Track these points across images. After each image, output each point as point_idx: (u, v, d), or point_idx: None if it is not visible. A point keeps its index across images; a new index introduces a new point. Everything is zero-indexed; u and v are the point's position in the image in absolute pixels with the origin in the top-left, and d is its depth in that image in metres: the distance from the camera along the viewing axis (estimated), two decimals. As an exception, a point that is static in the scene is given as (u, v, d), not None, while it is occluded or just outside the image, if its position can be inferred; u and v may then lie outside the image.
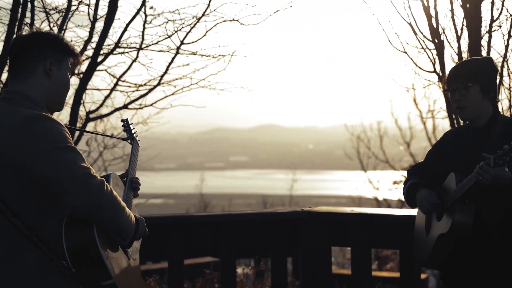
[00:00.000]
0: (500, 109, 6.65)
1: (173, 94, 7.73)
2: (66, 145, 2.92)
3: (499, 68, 3.92)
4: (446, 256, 3.87)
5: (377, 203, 19.88)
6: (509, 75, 6.69)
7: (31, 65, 3.13)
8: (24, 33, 3.24)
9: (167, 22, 7.45)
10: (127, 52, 7.45)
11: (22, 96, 3.07)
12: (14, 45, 3.20)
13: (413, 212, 5.01)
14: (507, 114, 6.68)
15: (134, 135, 4.03)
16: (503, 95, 6.77)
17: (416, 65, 7.04)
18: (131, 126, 4.07)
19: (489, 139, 3.76)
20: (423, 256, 4.04)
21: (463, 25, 6.63)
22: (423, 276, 10.03)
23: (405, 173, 18.31)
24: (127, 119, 4.08)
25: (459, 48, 6.73)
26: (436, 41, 6.76)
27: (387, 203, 19.40)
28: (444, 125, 6.56)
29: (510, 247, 3.67)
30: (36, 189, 2.94)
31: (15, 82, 3.13)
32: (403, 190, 4.28)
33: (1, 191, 2.92)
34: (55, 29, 6.93)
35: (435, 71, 6.90)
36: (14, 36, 6.45)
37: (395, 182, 19.24)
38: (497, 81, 3.95)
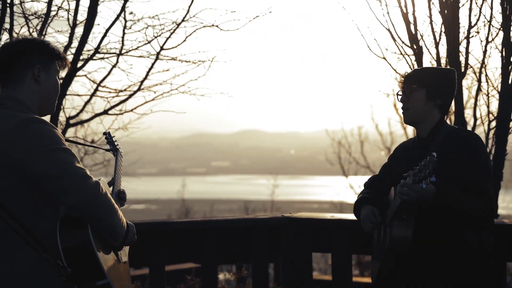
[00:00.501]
0: (478, 115, 6.74)
1: (153, 99, 7.73)
2: (62, 146, 3.01)
3: (457, 83, 3.88)
4: (389, 272, 3.88)
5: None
6: (487, 81, 6.74)
7: (20, 73, 3.18)
8: (9, 41, 3.30)
9: (146, 28, 7.46)
10: (107, 58, 7.45)
11: (16, 101, 3.14)
12: (1, 55, 3.23)
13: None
14: (485, 120, 6.73)
15: (117, 146, 4.10)
16: (481, 101, 6.84)
17: (395, 71, 7.08)
18: (114, 138, 4.13)
19: (429, 151, 3.68)
20: (374, 271, 4.04)
21: (441, 31, 6.68)
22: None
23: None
24: (109, 132, 4.15)
25: (437, 54, 6.78)
26: (415, 47, 6.80)
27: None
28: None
29: (452, 257, 3.65)
30: (32, 189, 3.00)
31: (7, 90, 3.19)
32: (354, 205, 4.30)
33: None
34: (35, 34, 6.91)
35: (414, 77, 6.94)
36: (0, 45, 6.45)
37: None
38: (451, 92, 3.88)
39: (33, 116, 3.06)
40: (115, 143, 4.12)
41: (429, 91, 3.79)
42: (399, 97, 3.91)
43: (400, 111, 4.36)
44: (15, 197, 3.01)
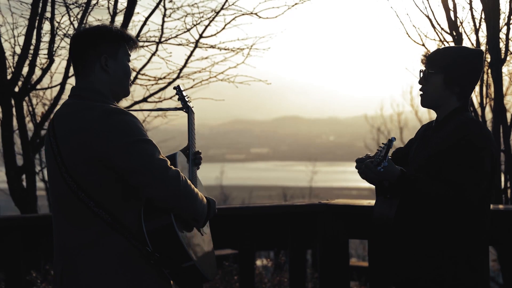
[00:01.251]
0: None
1: (192, 87, 7.79)
2: (143, 138, 3.05)
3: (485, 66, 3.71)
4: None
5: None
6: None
7: (89, 64, 3.23)
8: (76, 31, 3.39)
9: (186, 16, 7.51)
10: (147, 46, 7.52)
11: (91, 91, 3.20)
12: (70, 45, 3.34)
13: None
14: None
15: (189, 103, 3.92)
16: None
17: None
18: (184, 93, 3.94)
19: (436, 137, 3.64)
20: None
21: (481, 17, 6.64)
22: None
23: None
24: (178, 86, 3.97)
25: (477, 40, 6.74)
26: (454, 33, 6.76)
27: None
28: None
29: (428, 241, 3.59)
30: (117, 179, 3.07)
31: (80, 79, 3.27)
32: None
33: (85, 181, 3.07)
34: (75, 23, 7.01)
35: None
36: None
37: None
38: (471, 79, 3.65)
39: (114, 107, 3.11)
40: (186, 99, 3.92)
41: (446, 77, 3.60)
42: (419, 78, 3.74)
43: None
44: (102, 186, 3.08)
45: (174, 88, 3.97)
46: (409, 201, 3.56)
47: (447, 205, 3.46)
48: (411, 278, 3.67)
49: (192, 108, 3.90)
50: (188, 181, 3.12)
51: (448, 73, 3.60)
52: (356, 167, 3.64)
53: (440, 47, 3.85)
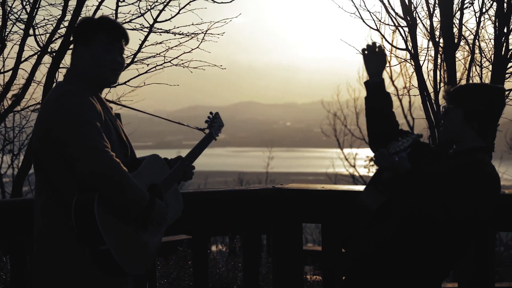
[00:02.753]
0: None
1: (146, 72, 7.71)
2: (87, 119, 3.27)
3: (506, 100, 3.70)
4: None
5: (353, 180, 19.97)
6: (480, 52, 6.74)
7: (73, 50, 3.58)
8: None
9: (140, 1, 7.42)
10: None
11: (70, 73, 3.55)
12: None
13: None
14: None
15: (216, 134, 4.34)
16: (474, 73, 6.84)
17: (389, 43, 7.08)
18: (218, 122, 4.35)
19: (448, 163, 3.62)
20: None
21: (435, 3, 6.67)
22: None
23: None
24: (217, 113, 4.40)
25: (431, 25, 6.78)
26: (409, 18, 6.79)
27: (363, 180, 19.50)
28: (420, 102, 6.62)
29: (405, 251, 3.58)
30: (62, 156, 3.28)
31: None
32: None
33: (39, 154, 3.38)
34: (28, 8, 6.90)
35: (407, 49, 6.94)
36: None
37: (371, 159, 19.33)
38: (491, 116, 3.62)
39: (72, 89, 3.38)
40: (215, 130, 4.34)
41: (466, 112, 3.59)
42: (440, 113, 3.81)
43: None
44: (51, 161, 3.34)
45: (211, 113, 4.36)
46: (400, 199, 3.56)
47: (434, 220, 3.45)
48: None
49: (215, 137, 4.31)
50: (124, 169, 3.26)
51: (468, 108, 3.60)
52: (374, 155, 3.60)
53: (463, 84, 3.85)
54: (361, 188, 5.34)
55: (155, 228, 3.59)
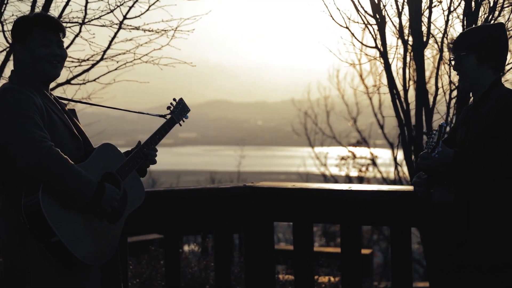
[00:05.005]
0: (440, 84, 6.78)
1: (116, 69, 7.65)
2: (22, 113, 3.31)
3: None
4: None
5: (325, 179, 20.02)
6: (449, 51, 6.78)
7: (13, 51, 3.68)
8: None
9: (110, -3, 7.35)
10: (69, 27, 7.35)
11: (13, 73, 3.63)
12: None
13: (354, 186, 5.07)
14: (447, 90, 6.77)
15: (180, 120, 4.33)
16: (443, 71, 6.88)
17: (358, 41, 7.10)
18: (182, 108, 4.35)
19: (477, 115, 3.69)
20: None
21: (404, 1, 6.70)
22: (366, 251, 10.15)
23: (352, 148, 18.48)
24: (181, 98, 4.40)
25: (400, 23, 6.80)
26: (378, 16, 6.81)
27: (334, 179, 19.55)
28: (389, 100, 6.64)
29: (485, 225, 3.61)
30: (6, 154, 3.32)
31: None
32: None
33: None
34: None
35: (376, 47, 6.96)
36: None
37: (342, 158, 19.42)
38: (502, 50, 3.76)
39: (8, 86, 3.46)
40: (179, 116, 4.33)
41: (479, 55, 3.70)
42: (453, 65, 3.84)
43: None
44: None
45: (174, 99, 4.33)
46: (467, 181, 3.59)
47: (506, 179, 3.49)
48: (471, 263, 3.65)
49: (179, 121, 4.30)
50: (64, 158, 3.31)
51: (479, 50, 3.69)
52: (418, 163, 3.68)
53: (463, 32, 3.88)
54: (333, 186, 5.37)
55: (112, 217, 3.62)
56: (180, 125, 4.35)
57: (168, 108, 4.27)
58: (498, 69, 3.76)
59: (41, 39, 3.57)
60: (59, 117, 3.58)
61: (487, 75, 3.73)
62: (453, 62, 3.82)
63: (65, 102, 3.86)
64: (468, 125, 3.76)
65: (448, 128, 3.63)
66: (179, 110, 4.31)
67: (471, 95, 4.12)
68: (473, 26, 4.08)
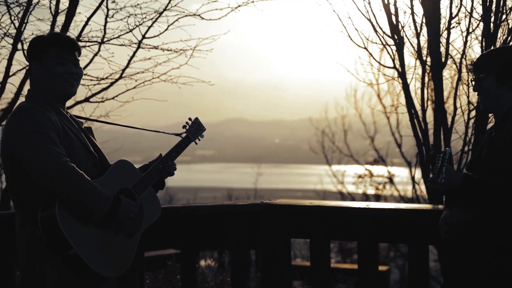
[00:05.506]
0: (458, 104, 6.81)
1: (134, 88, 7.74)
2: (38, 130, 3.37)
3: None
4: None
5: (342, 196, 20.00)
6: (467, 71, 6.81)
7: (30, 70, 3.71)
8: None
9: (128, 17, 7.46)
10: (89, 46, 7.45)
11: (29, 92, 3.67)
12: None
13: (372, 204, 5.09)
14: (465, 110, 6.79)
15: (196, 139, 4.39)
16: (461, 91, 6.90)
17: (377, 61, 7.14)
18: (197, 127, 4.40)
19: (499, 136, 3.66)
20: None
21: (422, 22, 6.74)
22: (383, 268, 10.15)
23: (369, 167, 18.45)
24: (197, 118, 4.45)
25: (418, 44, 6.84)
26: (396, 37, 6.85)
27: (351, 197, 19.53)
28: (407, 119, 6.68)
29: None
30: (22, 170, 3.38)
31: None
32: None
33: (7, 174, 3.55)
34: (16, 22, 6.92)
35: (394, 67, 7.00)
36: None
37: (359, 176, 19.41)
38: None
39: (24, 104, 3.54)
40: (194, 135, 4.37)
41: (498, 77, 3.68)
42: (473, 86, 3.81)
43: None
44: (15, 179, 3.49)
45: (190, 118, 4.39)
46: (483, 201, 3.57)
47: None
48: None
49: (194, 140, 4.34)
50: (79, 173, 3.35)
51: (498, 72, 3.68)
52: (427, 186, 3.74)
53: (483, 53, 3.91)
54: (350, 204, 5.39)
55: (129, 230, 3.66)
56: (196, 143, 4.40)
57: (184, 127, 4.32)
58: None
59: (58, 58, 3.62)
60: (75, 134, 3.63)
61: (508, 96, 3.70)
62: (473, 83, 3.84)
63: (82, 120, 3.91)
64: (491, 147, 3.78)
65: (448, 151, 3.63)
66: (195, 129, 4.36)
67: (491, 115, 4.12)
68: (493, 47, 4.08)
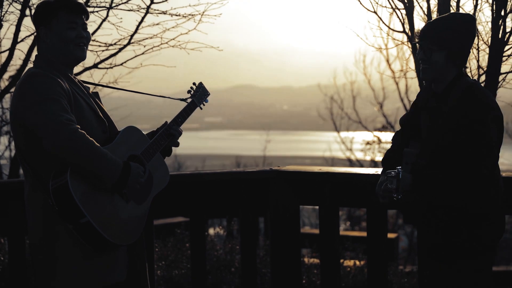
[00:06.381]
0: (468, 69, 6.73)
1: (143, 53, 7.68)
2: (50, 97, 3.36)
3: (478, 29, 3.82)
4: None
5: (350, 163, 19.99)
6: (477, 35, 6.72)
7: (38, 35, 3.67)
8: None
9: (136, -19, 7.39)
10: (97, 11, 7.38)
11: (38, 58, 3.64)
12: None
13: (380, 171, 5.06)
14: (475, 74, 6.72)
15: (200, 103, 4.34)
16: (471, 56, 6.82)
17: (386, 25, 7.06)
18: (198, 90, 4.35)
19: (445, 107, 3.72)
20: None
21: (432, -15, 6.64)
22: (392, 235, 10.14)
23: (377, 133, 18.44)
24: (201, 83, 4.41)
25: (428, 7, 6.74)
26: (406, 0, 6.76)
27: (359, 164, 19.51)
28: (416, 85, 6.65)
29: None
30: (35, 139, 3.36)
31: None
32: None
33: (18, 143, 3.54)
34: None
35: (404, 31, 6.92)
36: None
37: (367, 143, 19.37)
38: (470, 45, 3.77)
39: (34, 71, 3.50)
40: (199, 100, 4.34)
41: (449, 53, 3.69)
42: (419, 51, 3.80)
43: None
44: (26, 147, 3.49)
45: (194, 83, 4.34)
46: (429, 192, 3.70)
47: (463, 181, 3.57)
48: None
49: (199, 105, 4.30)
50: (90, 140, 3.34)
51: (451, 49, 3.69)
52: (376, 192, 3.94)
53: (433, 20, 3.85)
54: (359, 170, 5.35)
55: (139, 196, 3.68)
56: (201, 108, 4.37)
57: (189, 92, 4.30)
58: (461, 64, 3.78)
59: (68, 22, 3.59)
60: (85, 100, 3.63)
61: (453, 70, 3.75)
62: (420, 51, 3.79)
63: (89, 85, 3.88)
64: (433, 116, 3.79)
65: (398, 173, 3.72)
66: (200, 94, 4.33)
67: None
68: (448, 13, 4.00)
